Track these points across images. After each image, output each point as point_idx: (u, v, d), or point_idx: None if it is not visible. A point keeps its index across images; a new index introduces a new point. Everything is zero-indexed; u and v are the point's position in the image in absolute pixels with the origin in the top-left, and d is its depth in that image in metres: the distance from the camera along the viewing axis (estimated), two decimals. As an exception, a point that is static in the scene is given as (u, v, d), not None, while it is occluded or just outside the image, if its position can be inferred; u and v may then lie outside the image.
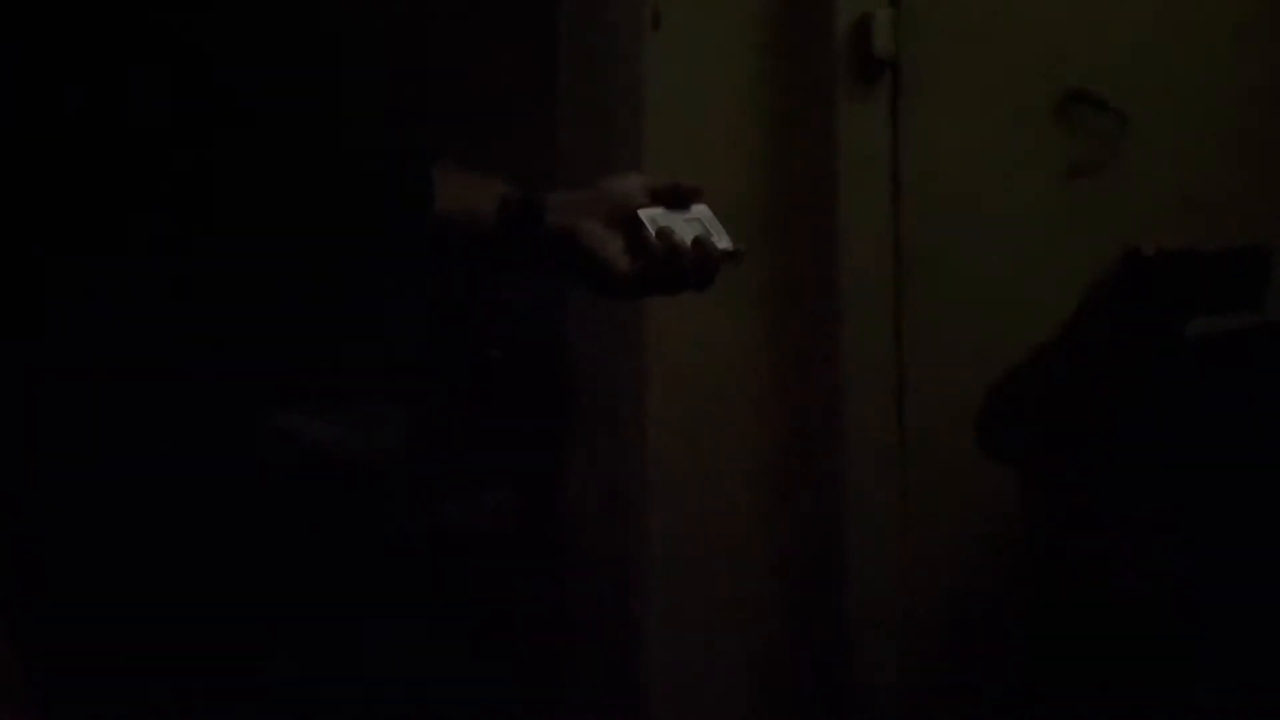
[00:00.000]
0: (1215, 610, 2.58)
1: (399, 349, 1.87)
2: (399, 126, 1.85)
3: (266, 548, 1.73)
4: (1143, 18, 3.05)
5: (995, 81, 3.01)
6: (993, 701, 2.92)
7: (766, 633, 3.00)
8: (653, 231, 1.78)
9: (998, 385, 2.69)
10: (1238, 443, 2.53)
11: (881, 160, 2.97)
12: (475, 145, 1.89)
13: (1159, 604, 2.73)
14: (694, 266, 1.80)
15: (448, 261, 1.79)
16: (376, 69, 1.91)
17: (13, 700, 1.69)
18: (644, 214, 1.79)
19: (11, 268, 1.68)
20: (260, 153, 1.70)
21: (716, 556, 2.97)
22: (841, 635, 2.97)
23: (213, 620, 1.72)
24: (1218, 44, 3.06)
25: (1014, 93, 3.02)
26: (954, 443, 2.88)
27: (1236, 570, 2.54)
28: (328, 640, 1.77)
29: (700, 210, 1.83)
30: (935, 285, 3.00)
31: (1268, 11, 3.08)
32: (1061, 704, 2.79)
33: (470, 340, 1.98)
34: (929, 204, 3.00)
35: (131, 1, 1.67)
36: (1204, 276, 2.48)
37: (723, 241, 1.82)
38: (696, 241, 1.80)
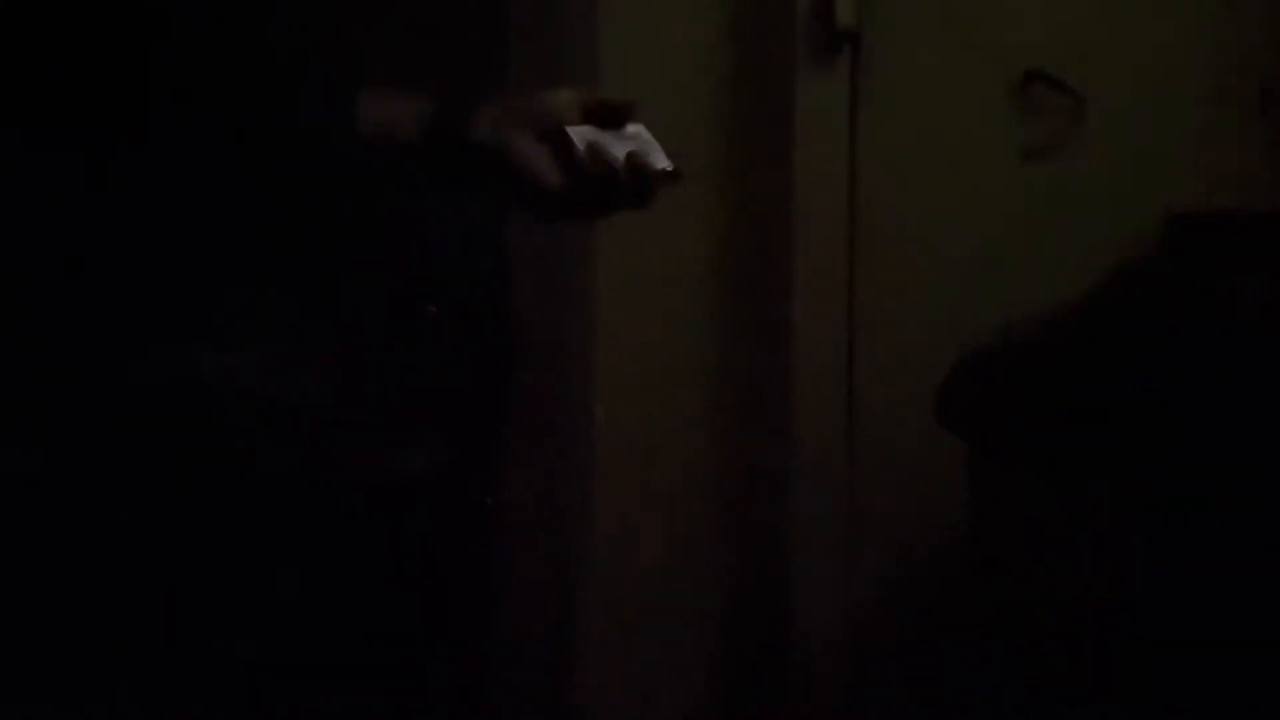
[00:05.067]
0: (1174, 606, 2.55)
1: (324, 291, 1.78)
2: (333, 54, 1.79)
3: (166, 496, 1.65)
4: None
5: (956, 59, 3.00)
6: (940, 684, 2.90)
7: (710, 603, 2.99)
8: (581, 147, 1.70)
9: (974, 355, 2.63)
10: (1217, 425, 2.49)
11: (839, 133, 2.96)
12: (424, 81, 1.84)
13: (1112, 596, 2.71)
14: (628, 184, 1.70)
15: (373, 185, 1.70)
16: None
17: None
18: (573, 131, 1.70)
19: None
20: (179, 75, 1.64)
21: (660, 538, 2.96)
22: (785, 599, 2.96)
23: (119, 574, 1.65)
24: (1176, 27, 3.06)
25: (974, 71, 3.01)
26: (904, 417, 2.87)
27: (1202, 563, 2.51)
28: (241, 594, 1.69)
29: (636, 129, 1.74)
30: (890, 260, 2.98)
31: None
32: (1008, 686, 2.78)
33: (405, 291, 1.90)
34: (886, 178, 2.98)
35: None
36: (1241, 237, 2.45)
37: (660, 161, 1.72)
38: (630, 158, 1.70)
